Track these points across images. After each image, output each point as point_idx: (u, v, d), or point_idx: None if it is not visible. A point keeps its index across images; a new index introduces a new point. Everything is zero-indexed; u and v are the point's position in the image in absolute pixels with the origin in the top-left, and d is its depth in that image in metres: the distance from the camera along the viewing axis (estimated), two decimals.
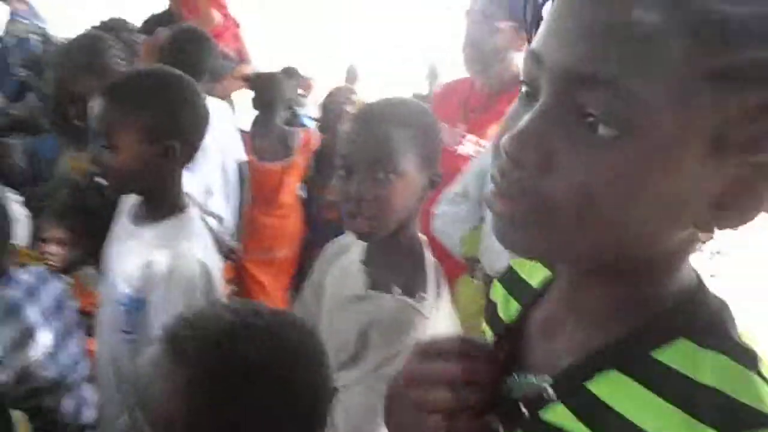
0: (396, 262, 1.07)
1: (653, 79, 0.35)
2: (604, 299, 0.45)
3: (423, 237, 1.12)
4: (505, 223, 0.41)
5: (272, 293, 2.72)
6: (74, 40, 1.84)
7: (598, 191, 0.37)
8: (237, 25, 2.59)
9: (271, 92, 2.63)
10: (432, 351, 0.50)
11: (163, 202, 1.23)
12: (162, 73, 1.31)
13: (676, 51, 0.35)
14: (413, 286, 1.05)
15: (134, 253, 1.21)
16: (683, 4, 0.35)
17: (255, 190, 2.51)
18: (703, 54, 0.35)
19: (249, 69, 2.61)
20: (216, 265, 1.25)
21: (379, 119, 1.03)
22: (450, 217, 1.61)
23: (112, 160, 1.16)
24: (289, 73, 3.29)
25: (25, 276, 1.44)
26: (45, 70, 2.32)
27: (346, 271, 1.12)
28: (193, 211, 1.27)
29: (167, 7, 2.73)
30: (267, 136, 2.69)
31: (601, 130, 0.36)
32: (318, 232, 2.79)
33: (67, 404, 1.47)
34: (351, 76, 4.16)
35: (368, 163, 0.99)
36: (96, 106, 1.18)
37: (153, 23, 2.62)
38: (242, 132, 2.55)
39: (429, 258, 1.09)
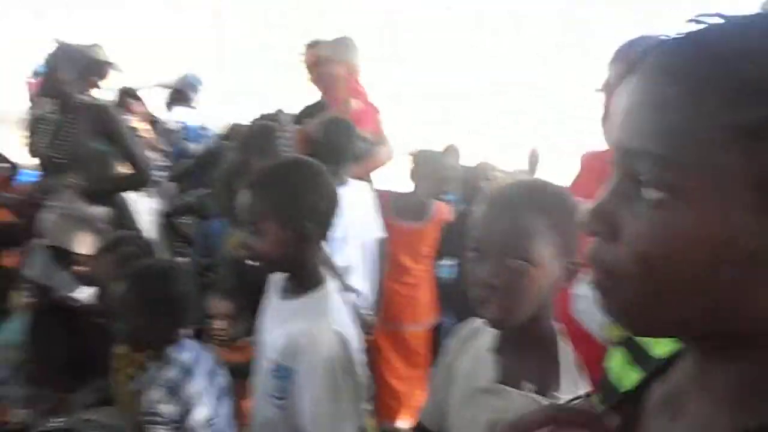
0: (528, 354, 1.02)
1: (687, 144, 0.39)
2: (733, 379, 0.43)
3: (559, 326, 1.06)
4: (598, 294, 0.46)
5: (401, 371, 2.75)
6: (249, 129, 2.09)
7: (656, 253, 0.40)
8: (376, 111, 2.82)
9: (429, 167, 2.74)
10: (546, 420, 0.50)
11: (303, 278, 1.36)
12: (294, 162, 1.49)
13: (704, 116, 0.39)
14: (546, 381, 0.99)
15: (281, 325, 1.34)
16: (703, 77, 0.40)
17: (390, 251, 2.59)
18: (729, 114, 0.38)
19: (385, 150, 2.79)
20: (353, 336, 1.34)
21: (516, 203, 0.98)
22: (591, 298, 1.55)
23: (257, 244, 1.33)
24: (451, 150, 3.35)
25: (181, 355, 1.64)
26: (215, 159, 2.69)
27: (478, 358, 1.09)
28: (330, 285, 1.38)
29: (319, 99, 3.04)
30: (407, 200, 2.79)
31: (654, 195, 0.40)
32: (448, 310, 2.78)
33: None
34: (533, 160, 3.77)
35: (501, 249, 0.95)
36: (243, 195, 1.37)
37: (306, 113, 2.92)
38: (383, 191, 2.70)
39: (564, 350, 1.04)
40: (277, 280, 1.48)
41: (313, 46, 3.02)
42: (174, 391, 1.58)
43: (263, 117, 4.04)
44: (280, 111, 3.62)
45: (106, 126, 2.76)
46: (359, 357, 1.36)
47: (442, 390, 1.17)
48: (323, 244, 1.41)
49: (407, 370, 2.77)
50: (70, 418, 1.01)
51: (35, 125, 2.81)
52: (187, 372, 1.62)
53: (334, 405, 1.25)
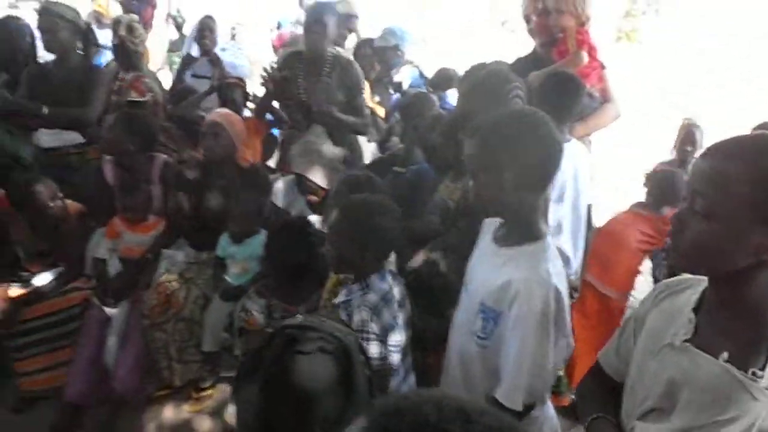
0: (733, 321, 0.97)
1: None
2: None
3: None
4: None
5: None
6: (475, 77, 2.09)
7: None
8: (603, 67, 2.62)
9: None
10: None
11: (523, 228, 1.38)
12: (521, 112, 1.51)
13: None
14: (747, 356, 0.93)
15: (495, 270, 1.38)
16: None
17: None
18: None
19: (613, 109, 2.60)
20: (566, 292, 1.35)
21: (721, 155, 0.97)
22: None
23: (481, 190, 1.40)
24: None
25: (380, 283, 1.77)
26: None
27: (673, 315, 1.07)
28: (549, 240, 1.39)
29: (533, 49, 2.93)
30: None
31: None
32: None
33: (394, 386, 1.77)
34: None
35: (694, 196, 0.99)
36: (468, 144, 1.42)
37: (520, 65, 2.83)
38: None
39: None
40: (491, 226, 1.51)
41: None
42: (377, 313, 1.73)
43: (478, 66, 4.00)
44: (498, 61, 3.55)
45: (351, 79, 3.09)
46: (567, 316, 1.36)
47: (629, 339, 1.17)
48: (544, 198, 1.40)
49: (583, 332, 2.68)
50: (307, 317, 1.17)
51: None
52: (386, 299, 1.77)
53: (540, 352, 1.29)
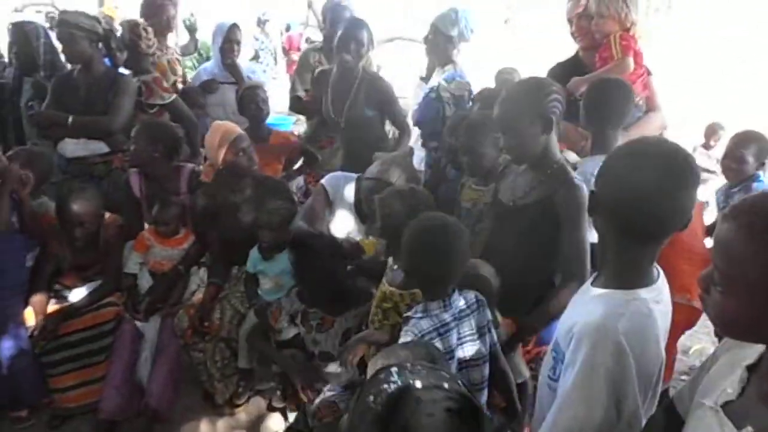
0: None
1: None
2: None
3: None
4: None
5: None
6: (517, 85, 2.02)
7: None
8: (649, 73, 2.56)
9: None
10: None
11: (616, 272, 1.27)
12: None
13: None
14: None
15: (575, 308, 1.32)
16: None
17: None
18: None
19: (659, 118, 2.54)
20: (651, 359, 1.23)
21: (741, 226, 0.92)
22: None
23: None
24: None
25: (441, 312, 1.70)
26: None
27: (732, 367, 1.01)
28: (644, 295, 1.23)
29: (574, 53, 2.86)
30: None
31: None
32: None
33: None
34: None
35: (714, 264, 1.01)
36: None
37: (560, 70, 2.77)
38: None
39: None
40: None
41: None
42: (443, 333, 1.67)
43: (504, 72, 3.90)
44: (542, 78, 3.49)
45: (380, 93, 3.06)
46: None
47: (697, 381, 1.10)
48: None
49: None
50: (401, 367, 1.02)
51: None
52: (442, 332, 1.69)
53: (581, 412, 1.18)
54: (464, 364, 1.74)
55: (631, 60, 2.45)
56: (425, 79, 3.40)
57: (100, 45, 3.08)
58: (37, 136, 3.10)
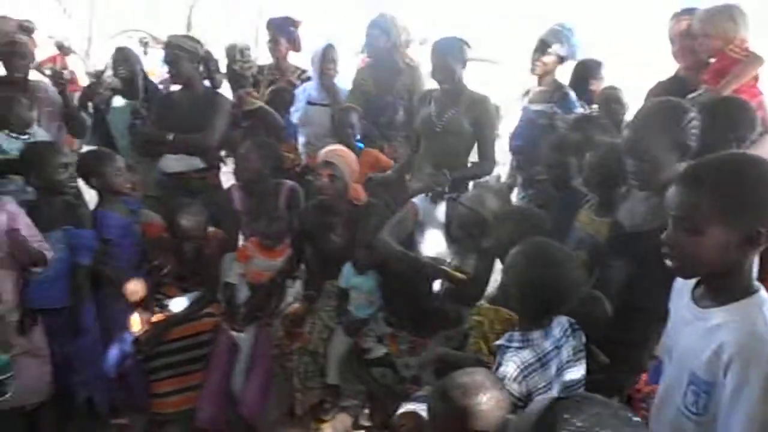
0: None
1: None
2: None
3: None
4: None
5: None
6: (653, 107, 1.91)
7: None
8: (760, 93, 2.44)
9: None
10: None
11: (733, 285, 1.24)
12: (740, 157, 1.32)
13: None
14: None
15: (703, 336, 1.24)
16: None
17: None
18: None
19: None
20: None
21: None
22: None
23: (692, 245, 1.21)
24: None
25: (543, 341, 1.65)
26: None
27: None
28: (763, 293, 1.23)
29: (675, 72, 2.75)
30: None
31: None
32: None
33: None
34: None
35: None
36: (677, 191, 1.25)
37: (661, 89, 2.68)
38: None
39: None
40: (684, 285, 1.36)
41: (684, 14, 2.72)
42: (526, 374, 1.59)
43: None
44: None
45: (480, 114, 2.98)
46: None
47: None
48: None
49: None
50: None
51: None
52: (544, 362, 1.63)
53: None
54: (565, 391, 1.68)
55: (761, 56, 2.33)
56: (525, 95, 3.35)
57: (201, 67, 3.25)
58: (138, 153, 3.28)
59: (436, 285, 2.55)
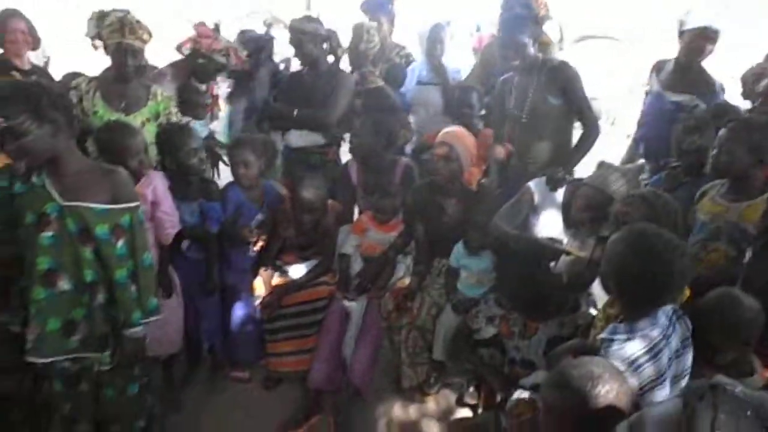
0: None
1: None
2: None
3: None
4: None
5: None
6: None
7: None
8: None
9: None
10: None
11: None
12: None
13: None
14: None
15: None
16: None
17: None
18: None
19: None
20: None
21: None
22: None
23: None
24: None
25: (650, 330, 1.56)
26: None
27: None
28: None
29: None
30: None
31: None
32: None
33: None
34: None
35: None
36: None
37: None
38: None
39: None
40: None
41: None
42: (635, 368, 1.53)
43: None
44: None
45: (563, 83, 2.87)
46: None
47: None
48: None
49: None
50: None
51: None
52: (654, 352, 1.55)
53: None
54: (674, 379, 1.61)
55: None
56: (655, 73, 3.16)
57: (325, 45, 3.36)
58: (270, 128, 3.46)
59: (553, 269, 2.49)
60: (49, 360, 1.86)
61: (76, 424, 1.98)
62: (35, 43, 3.54)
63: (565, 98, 2.89)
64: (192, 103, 3.24)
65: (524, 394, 2.14)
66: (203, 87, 3.43)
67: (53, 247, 1.79)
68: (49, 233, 1.79)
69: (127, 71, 2.65)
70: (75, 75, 3.05)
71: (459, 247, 2.65)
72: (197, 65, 3.38)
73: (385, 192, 2.78)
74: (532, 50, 2.88)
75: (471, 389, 2.70)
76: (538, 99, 2.90)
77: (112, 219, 1.84)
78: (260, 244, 2.81)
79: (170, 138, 2.58)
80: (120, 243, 1.86)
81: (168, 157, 2.58)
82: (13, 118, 1.65)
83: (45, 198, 1.78)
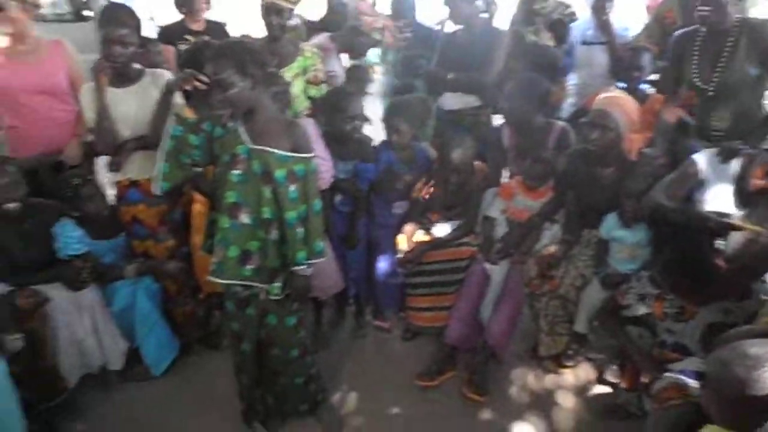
0: None
1: None
2: None
3: None
4: None
5: None
6: None
7: None
8: None
9: None
10: None
11: None
12: None
13: None
14: None
15: None
16: None
17: None
18: None
19: None
20: None
21: None
22: None
23: None
24: None
25: None
26: None
27: None
28: None
29: None
30: None
31: None
32: None
33: None
34: None
35: None
36: None
37: None
38: None
39: None
40: None
41: None
42: None
43: None
44: None
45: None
46: None
47: None
48: None
49: None
50: None
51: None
52: None
53: None
54: None
55: None
56: None
57: (479, 2, 3.27)
58: (427, 90, 3.50)
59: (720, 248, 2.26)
60: (226, 282, 2.11)
61: (242, 342, 2.24)
62: (208, 3, 3.80)
63: (764, 65, 2.50)
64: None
65: (672, 376, 2.01)
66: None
67: (239, 184, 2.02)
68: (238, 171, 2.02)
69: (272, 30, 2.83)
70: None
71: (612, 219, 2.51)
72: (355, 42, 3.51)
73: (537, 157, 2.69)
74: (731, 8, 2.48)
75: (614, 367, 2.58)
76: (733, 68, 2.52)
77: (289, 165, 2.03)
78: (407, 202, 2.90)
79: (335, 102, 2.74)
80: (292, 188, 2.04)
81: (328, 118, 2.74)
82: (221, 73, 1.88)
83: (237, 141, 2.02)
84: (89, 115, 2.58)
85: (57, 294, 2.44)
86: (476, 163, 2.87)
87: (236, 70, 1.89)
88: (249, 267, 2.08)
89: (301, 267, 2.11)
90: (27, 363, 2.30)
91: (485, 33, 3.28)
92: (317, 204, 2.12)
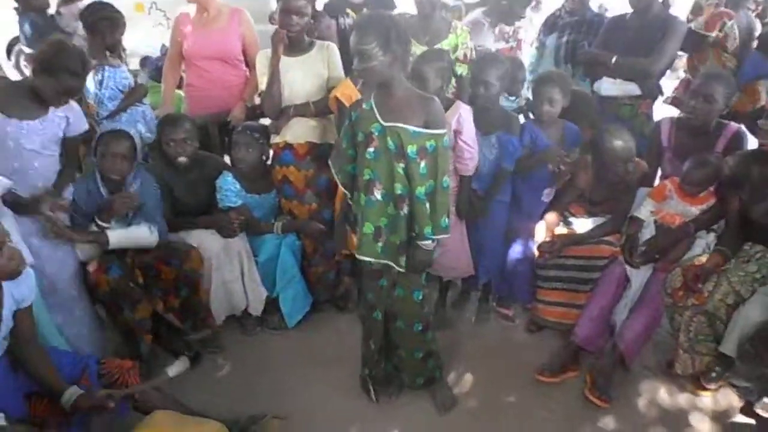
0: None
1: None
2: None
3: None
4: None
5: None
6: None
7: None
8: None
9: None
10: None
11: None
12: None
13: None
14: None
15: None
16: None
17: None
18: None
19: None
20: None
21: None
22: None
23: None
24: None
25: None
26: None
27: None
28: None
29: None
30: None
31: None
32: None
33: None
34: None
35: None
36: None
37: None
38: None
39: None
40: None
41: None
42: None
43: None
44: None
45: None
46: None
47: None
48: None
49: None
50: None
51: None
52: None
53: None
54: None
55: None
56: None
57: None
58: (583, 73, 3.32)
59: None
60: (365, 258, 2.18)
61: (374, 310, 2.33)
62: None
63: None
64: None
65: None
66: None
67: (374, 161, 2.08)
68: (372, 149, 2.07)
69: (423, 7, 2.87)
70: None
71: None
72: (504, 10, 3.39)
73: (702, 161, 2.45)
74: None
75: (766, 400, 2.32)
76: None
77: (421, 141, 2.03)
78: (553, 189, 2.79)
79: (478, 72, 2.69)
80: (422, 163, 2.05)
81: (473, 89, 2.70)
82: (364, 44, 1.92)
83: (371, 119, 2.06)
84: (262, 79, 2.79)
85: (211, 239, 2.72)
86: (637, 159, 2.66)
87: (379, 44, 1.90)
88: (379, 244, 2.14)
89: (426, 242, 2.12)
90: (186, 297, 2.62)
91: (658, 19, 3.02)
92: (445, 181, 2.10)
